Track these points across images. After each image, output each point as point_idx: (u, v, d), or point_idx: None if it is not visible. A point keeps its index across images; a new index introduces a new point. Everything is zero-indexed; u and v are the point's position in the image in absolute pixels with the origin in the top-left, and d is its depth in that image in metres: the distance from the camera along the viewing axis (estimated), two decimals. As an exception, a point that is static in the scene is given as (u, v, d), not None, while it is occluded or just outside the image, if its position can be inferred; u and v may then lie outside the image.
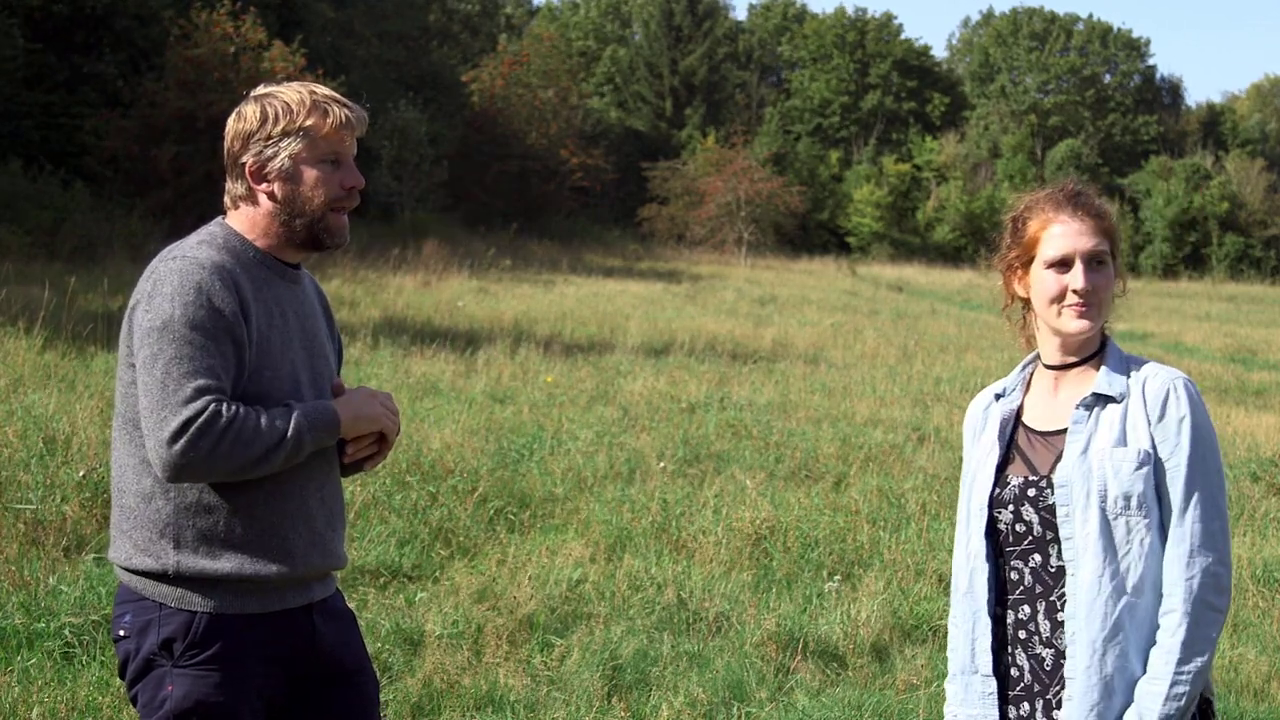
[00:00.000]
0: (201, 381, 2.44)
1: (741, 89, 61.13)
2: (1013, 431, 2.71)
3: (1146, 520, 2.50)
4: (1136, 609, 2.50)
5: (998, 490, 2.65)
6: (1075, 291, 2.59)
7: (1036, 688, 2.60)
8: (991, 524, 2.66)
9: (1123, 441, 2.53)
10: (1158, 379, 2.56)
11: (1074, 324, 2.60)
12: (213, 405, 2.43)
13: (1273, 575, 6.72)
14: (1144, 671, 2.49)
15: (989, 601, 2.65)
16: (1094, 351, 2.65)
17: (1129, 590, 2.50)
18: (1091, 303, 2.60)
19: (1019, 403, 2.73)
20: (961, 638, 2.70)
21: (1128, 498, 2.50)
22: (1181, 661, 2.44)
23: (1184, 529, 2.48)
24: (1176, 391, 2.53)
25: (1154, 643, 2.48)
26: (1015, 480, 2.64)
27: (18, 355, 9.63)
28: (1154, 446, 2.52)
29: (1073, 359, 2.66)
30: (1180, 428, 2.50)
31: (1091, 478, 2.53)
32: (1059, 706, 2.56)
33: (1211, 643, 2.46)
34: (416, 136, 34.89)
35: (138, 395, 2.53)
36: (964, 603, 2.69)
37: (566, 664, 5.07)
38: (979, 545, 2.66)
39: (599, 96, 55.05)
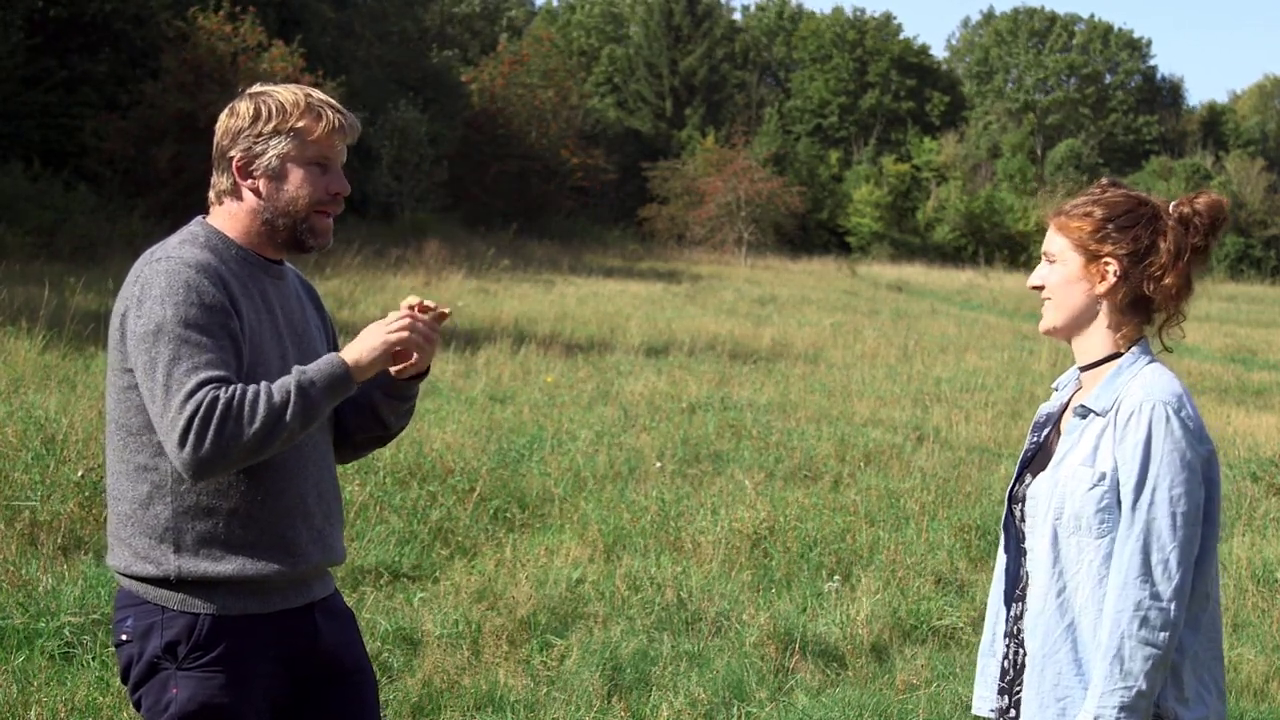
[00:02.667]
0: (201, 376, 2.41)
1: (741, 89, 61.13)
2: (1053, 427, 2.72)
3: (1099, 542, 2.46)
4: (1078, 630, 2.49)
5: (1017, 486, 2.70)
6: (1031, 287, 2.68)
7: (1014, 683, 2.66)
8: (1012, 517, 2.71)
9: (1091, 460, 2.49)
10: (1133, 398, 2.48)
11: (1041, 321, 2.68)
12: (210, 394, 2.39)
13: (1272, 575, 6.72)
14: (1085, 693, 2.48)
15: (1002, 590, 2.73)
16: (1105, 357, 2.60)
17: (1074, 610, 2.49)
18: (1047, 299, 2.64)
19: (1066, 399, 2.73)
20: (988, 620, 2.79)
21: (1078, 518, 2.48)
22: (1106, 694, 2.41)
23: (1122, 558, 2.43)
24: (1140, 414, 2.45)
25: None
26: (1029, 479, 2.66)
27: (18, 355, 9.63)
28: (1117, 469, 2.47)
29: (1082, 361, 2.64)
30: (1134, 452, 2.44)
31: (1054, 493, 2.52)
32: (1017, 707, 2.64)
33: (1144, 676, 2.39)
34: (416, 136, 34.89)
35: (134, 402, 2.52)
36: (995, 587, 2.78)
37: (566, 664, 5.07)
38: (1000, 535, 2.76)
39: (599, 97, 55.05)
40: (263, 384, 2.46)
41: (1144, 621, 2.39)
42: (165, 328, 2.44)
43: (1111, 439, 2.48)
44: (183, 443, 2.39)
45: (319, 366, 2.51)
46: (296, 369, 2.50)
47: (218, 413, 2.38)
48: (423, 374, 2.78)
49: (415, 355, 2.65)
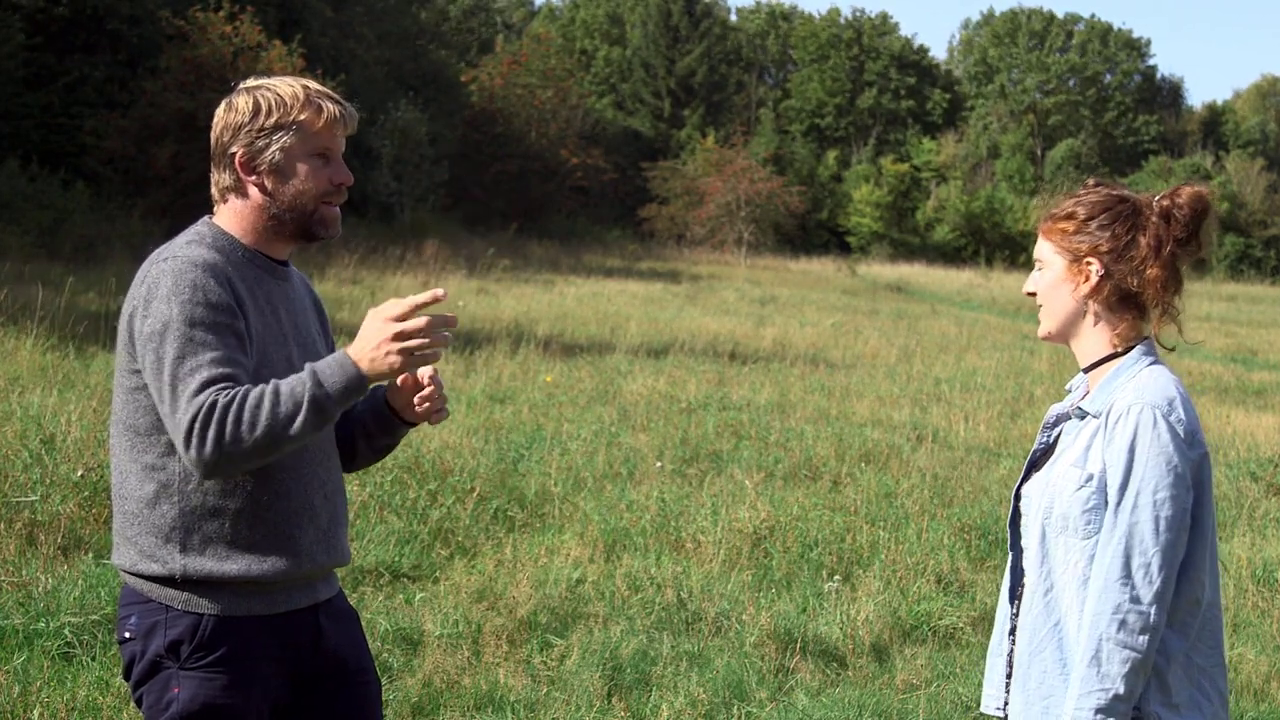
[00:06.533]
0: (205, 375, 2.38)
1: (739, 89, 61.12)
2: (1063, 427, 2.71)
3: (1084, 543, 2.47)
4: (1064, 629, 2.49)
5: (1023, 483, 2.71)
6: (1026, 293, 2.69)
7: (1012, 678, 2.66)
8: (1018, 515, 2.71)
9: (1082, 461, 2.50)
10: (1123, 401, 2.48)
11: (1039, 327, 2.69)
12: (211, 397, 2.36)
13: (1272, 575, 6.73)
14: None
15: (1009, 587, 2.73)
16: (1104, 358, 2.59)
17: (1060, 609, 2.50)
18: (1040, 305, 2.65)
19: (1077, 400, 2.72)
20: (998, 617, 2.78)
21: (1066, 518, 2.48)
22: (1083, 696, 2.40)
23: (1104, 561, 2.42)
24: (1127, 417, 2.45)
25: None
26: (1035, 477, 2.67)
27: (18, 355, 9.63)
28: (1105, 470, 2.47)
29: (1083, 363, 2.64)
30: (1119, 455, 2.44)
31: (1045, 492, 2.53)
32: None
33: (1121, 679, 2.38)
34: (416, 136, 34.91)
35: (143, 402, 2.51)
36: (1004, 583, 2.77)
37: (566, 664, 5.07)
38: (1006, 533, 2.77)
39: (597, 96, 55.06)
40: (269, 385, 2.39)
41: (1122, 624, 2.39)
42: (171, 326, 2.42)
43: (1102, 441, 2.49)
44: (187, 444, 2.37)
45: (334, 375, 2.41)
46: (310, 375, 2.41)
47: (216, 416, 2.34)
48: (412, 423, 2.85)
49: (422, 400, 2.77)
